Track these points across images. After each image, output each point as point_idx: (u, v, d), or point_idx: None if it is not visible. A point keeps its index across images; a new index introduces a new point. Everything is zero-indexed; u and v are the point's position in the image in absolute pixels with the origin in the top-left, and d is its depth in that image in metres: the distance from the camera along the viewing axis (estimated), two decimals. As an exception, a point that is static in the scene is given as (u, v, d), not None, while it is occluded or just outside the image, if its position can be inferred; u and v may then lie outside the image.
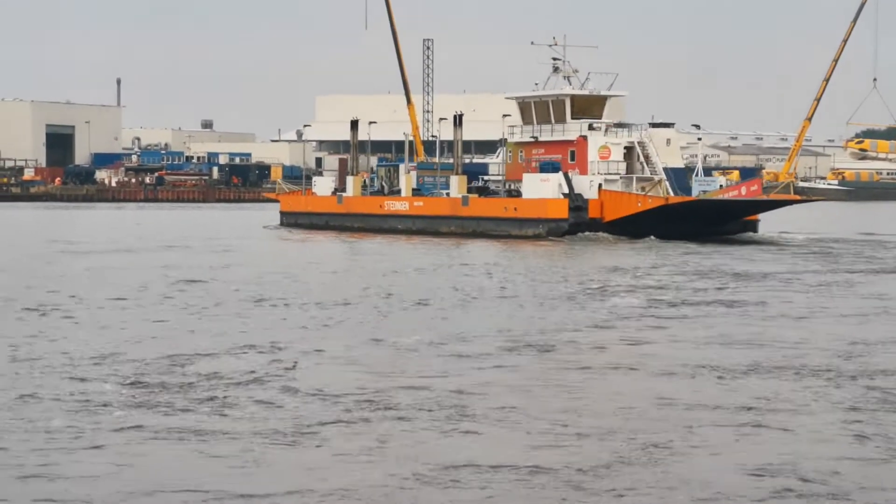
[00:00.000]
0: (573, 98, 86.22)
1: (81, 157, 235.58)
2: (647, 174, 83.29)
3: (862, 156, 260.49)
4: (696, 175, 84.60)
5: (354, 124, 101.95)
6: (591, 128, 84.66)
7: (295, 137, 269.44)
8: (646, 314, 37.12)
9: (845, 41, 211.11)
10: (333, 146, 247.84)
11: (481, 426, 20.87)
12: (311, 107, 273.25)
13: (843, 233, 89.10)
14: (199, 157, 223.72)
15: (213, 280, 48.51)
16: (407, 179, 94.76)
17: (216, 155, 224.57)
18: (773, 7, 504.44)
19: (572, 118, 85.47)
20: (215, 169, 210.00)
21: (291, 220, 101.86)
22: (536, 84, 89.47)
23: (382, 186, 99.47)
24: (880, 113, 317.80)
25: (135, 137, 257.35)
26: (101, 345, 29.65)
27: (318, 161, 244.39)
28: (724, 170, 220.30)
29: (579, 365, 27.34)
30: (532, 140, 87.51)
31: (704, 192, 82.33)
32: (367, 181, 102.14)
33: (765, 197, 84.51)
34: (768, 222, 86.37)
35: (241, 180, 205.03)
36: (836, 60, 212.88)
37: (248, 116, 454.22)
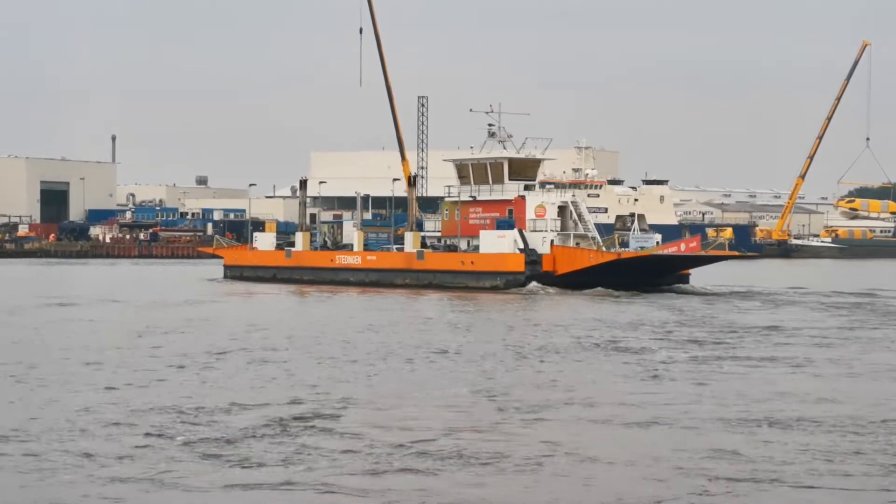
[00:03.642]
0: (510, 161, 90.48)
1: (76, 213, 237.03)
2: (581, 231, 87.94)
3: (853, 215, 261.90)
4: (633, 232, 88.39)
5: (303, 183, 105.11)
6: (527, 188, 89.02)
7: (290, 193, 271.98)
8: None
9: (838, 99, 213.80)
10: (328, 202, 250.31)
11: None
12: (307, 163, 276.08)
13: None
14: (193, 214, 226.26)
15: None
16: (359, 235, 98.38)
17: (210, 211, 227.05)
18: (769, 63, 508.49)
19: (509, 179, 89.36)
20: (210, 225, 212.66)
21: (236, 273, 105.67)
22: (472, 147, 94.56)
23: (325, 241, 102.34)
24: (874, 171, 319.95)
25: (129, 194, 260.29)
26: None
27: (312, 217, 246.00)
28: (718, 227, 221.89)
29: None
30: (470, 199, 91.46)
31: (642, 247, 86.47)
32: (311, 237, 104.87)
33: (704, 253, 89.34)
34: (700, 276, 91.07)
35: (236, 236, 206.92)
36: (829, 118, 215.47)
37: (243, 172, 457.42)
